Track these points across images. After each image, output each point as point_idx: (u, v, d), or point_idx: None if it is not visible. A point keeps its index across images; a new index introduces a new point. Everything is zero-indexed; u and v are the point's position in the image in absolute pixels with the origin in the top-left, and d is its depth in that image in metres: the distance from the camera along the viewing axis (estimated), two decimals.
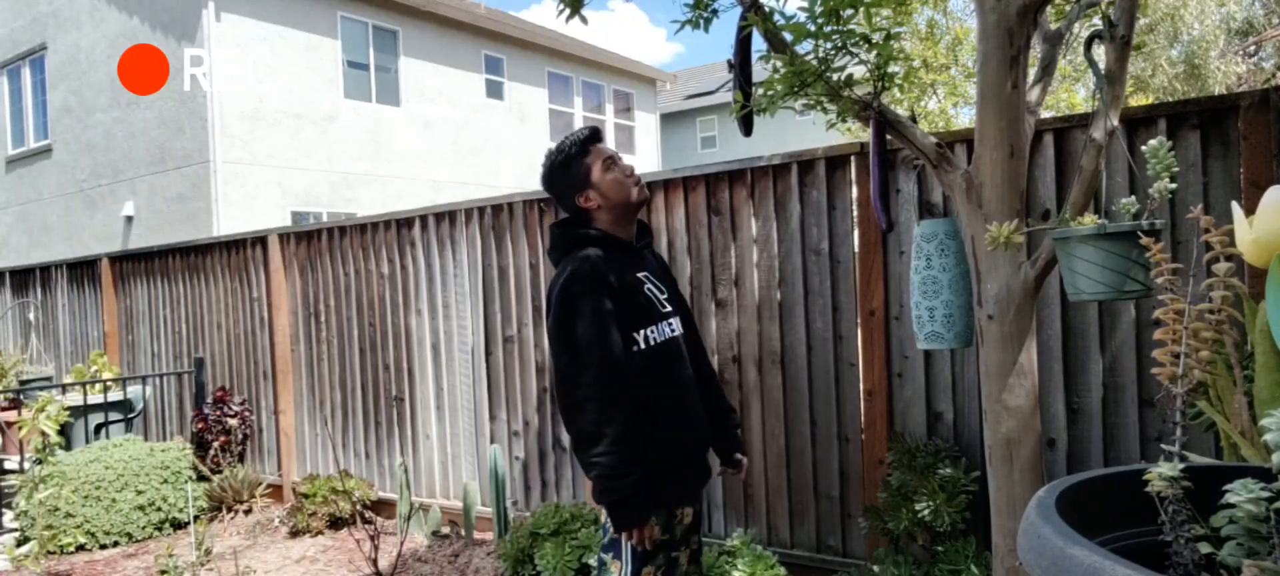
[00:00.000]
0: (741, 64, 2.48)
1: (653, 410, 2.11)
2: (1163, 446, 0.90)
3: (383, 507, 5.17)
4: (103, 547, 4.94)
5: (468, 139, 15.08)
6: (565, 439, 4.38)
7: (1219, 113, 2.74)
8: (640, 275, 2.20)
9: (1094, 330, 2.96)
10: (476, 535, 4.58)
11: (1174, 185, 1.45)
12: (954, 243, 2.45)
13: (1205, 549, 0.76)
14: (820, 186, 3.52)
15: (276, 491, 5.65)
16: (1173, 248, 2.73)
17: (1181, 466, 0.80)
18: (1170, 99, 12.74)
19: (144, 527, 5.10)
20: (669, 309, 2.25)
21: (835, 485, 3.54)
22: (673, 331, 2.22)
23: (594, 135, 2.26)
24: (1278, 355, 1.33)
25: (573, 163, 2.21)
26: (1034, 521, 0.75)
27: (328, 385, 5.46)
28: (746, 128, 2.48)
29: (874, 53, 2.19)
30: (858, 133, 9.27)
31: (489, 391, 4.68)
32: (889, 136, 2.36)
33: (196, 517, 5.25)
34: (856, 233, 3.45)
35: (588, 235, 2.18)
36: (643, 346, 2.11)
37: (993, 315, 2.16)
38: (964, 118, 10.30)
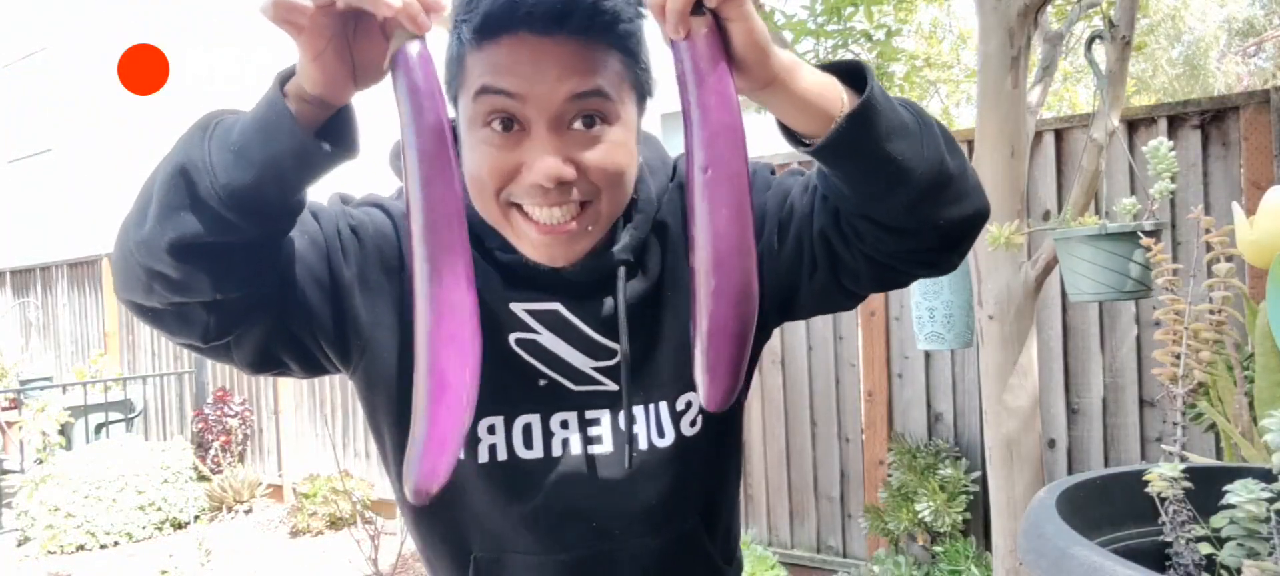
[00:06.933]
0: None
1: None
2: (1163, 446, 0.90)
3: (383, 507, 5.17)
4: (103, 547, 4.94)
5: None
6: None
7: (1220, 113, 2.74)
8: (527, 309, 0.89)
9: (1094, 330, 2.95)
10: None
11: (1174, 185, 1.45)
12: None
13: (1206, 549, 0.76)
14: None
15: (277, 491, 5.65)
16: (1173, 248, 2.73)
17: (1182, 467, 0.79)
18: (1171, 99, 12.74)
19: (144, 527, 5.10)
20: (579, 388, 0.90)
21: (835, 485, 3.54)
22: (558, 444, 0.90)
23: (505, 13, 0.76)
24: (1278, 355, 1.33)
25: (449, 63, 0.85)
26: (1035, 521, 0.75)
27: (328, 385, 5.45)
28: None
29: (876, 51, 2.19)
30: None
31: None
32: None
33: (197, 517, 5.25)
34: None
35: None
36: (482, 460, 0.88)
37: (993, 315, 2.16)
38: (966, 117, 10.28)
